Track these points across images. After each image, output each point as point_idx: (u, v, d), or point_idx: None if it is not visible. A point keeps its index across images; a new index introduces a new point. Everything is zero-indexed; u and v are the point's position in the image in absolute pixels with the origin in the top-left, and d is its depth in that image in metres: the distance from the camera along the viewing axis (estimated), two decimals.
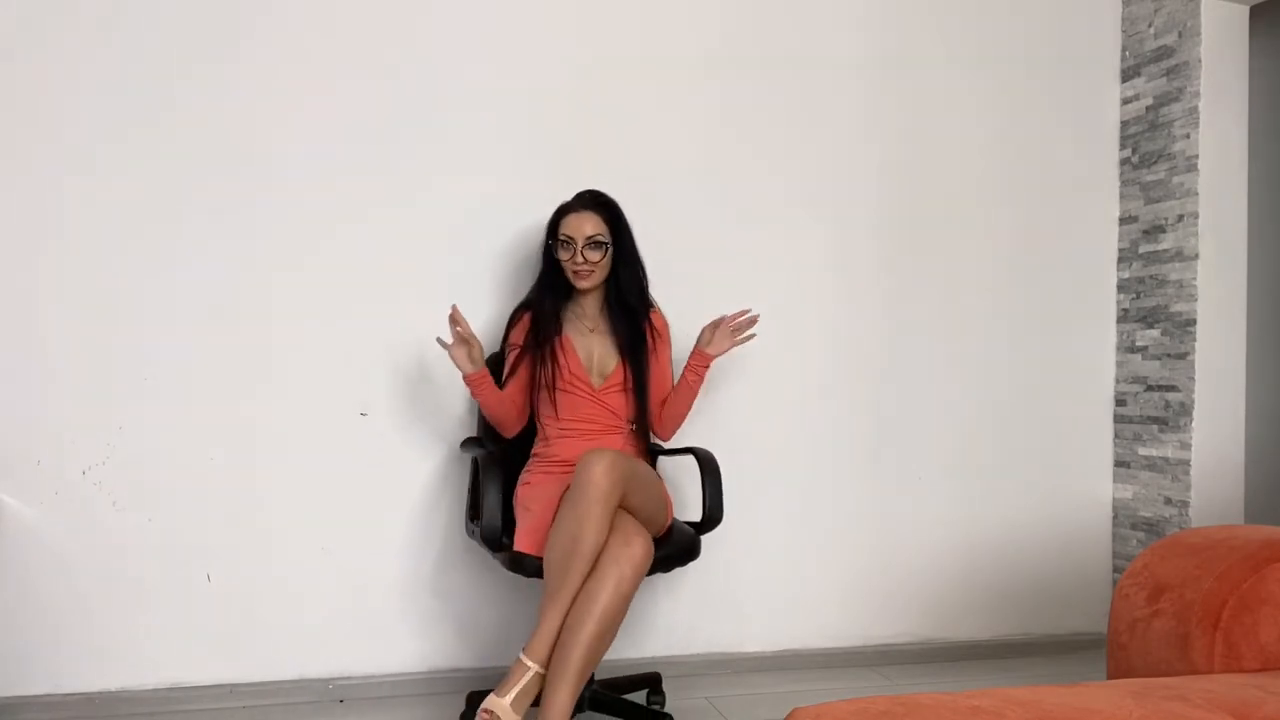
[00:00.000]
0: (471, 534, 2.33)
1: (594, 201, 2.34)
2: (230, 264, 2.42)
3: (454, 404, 2.57)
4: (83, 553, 2.32)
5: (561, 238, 2.30)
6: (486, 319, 2.57)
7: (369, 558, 2.51)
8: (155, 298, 2.38)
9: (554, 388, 2.30)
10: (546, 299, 2.35)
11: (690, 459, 2.36)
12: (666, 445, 2.51)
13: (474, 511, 2.36)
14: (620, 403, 2.34)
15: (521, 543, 2.10)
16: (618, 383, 2.33)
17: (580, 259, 2.27)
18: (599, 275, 2.32)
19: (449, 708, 2.42)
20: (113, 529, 2.34)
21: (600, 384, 2.33)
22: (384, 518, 2.53)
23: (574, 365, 2.31)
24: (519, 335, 2.36)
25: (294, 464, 2.46)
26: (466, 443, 2.45)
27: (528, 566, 2.08)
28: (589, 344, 2.35)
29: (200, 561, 2.40)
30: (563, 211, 2.33)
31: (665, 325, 2.46)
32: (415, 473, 2.55)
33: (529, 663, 1.90)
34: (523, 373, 2.34)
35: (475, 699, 2.28)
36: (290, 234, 2.46)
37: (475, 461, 2.39)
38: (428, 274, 2.55)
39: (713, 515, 2.27)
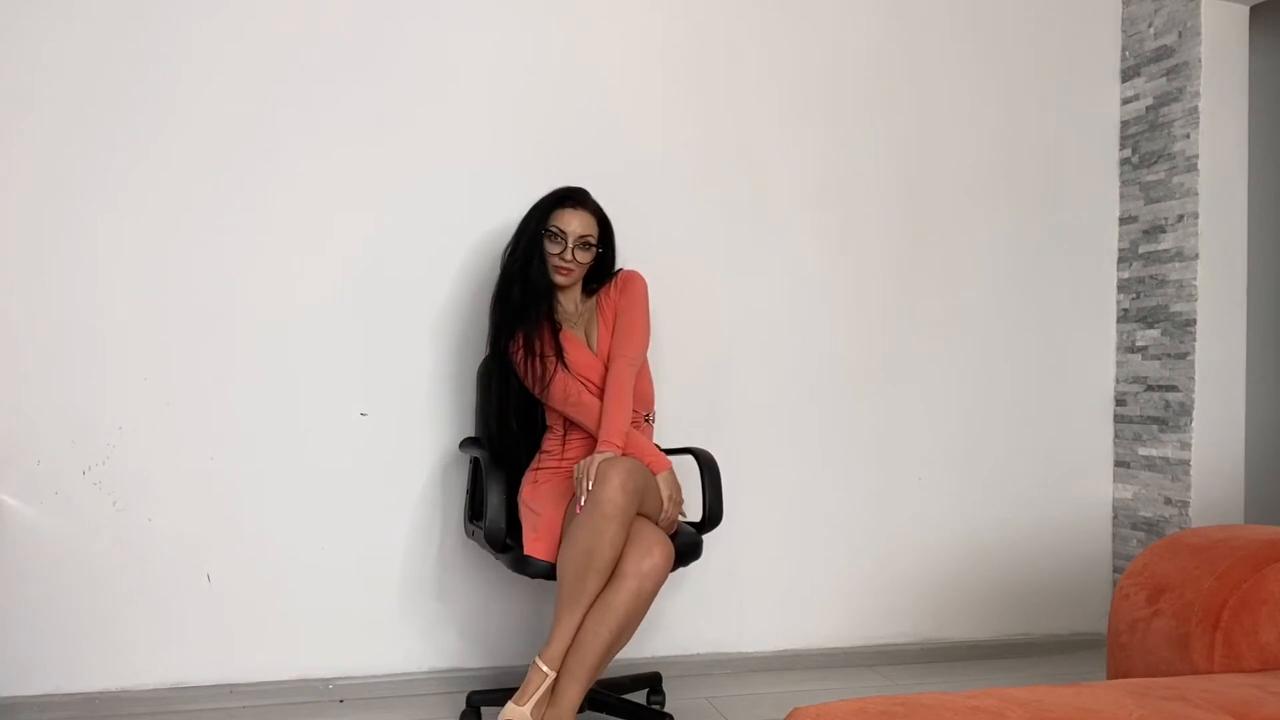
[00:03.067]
0: (472, 535, 2.33)
1: (589, 202, 2.30)
2: (230, 264, 2.42)
3: (454, 404, 2.57)
4: (83, 553, 2.32)
5: (552, 229, 2.24)
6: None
7: (369, 558, 2.51)
8: (155, 298, 2.37)
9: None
10: (529, 303, 2.24)
11: (690, 459, 2.36)
12: (666, 447, 2.51)
13: (474, 512, 2.36)
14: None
15: (533, 548, 2.09)
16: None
17: (569, 256, 2.23)
18: (578, 276, 2.28)
19: (449, 708, 2.42)
20: (113, 529, 2.34)
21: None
22: (384, 518, 2.53)
23: (583, 358, 2.26)
24: (523, 363, 2.24)
25: (294, 464, 2.46)
26: (465, 443, 2.45)
27: (533, 567, 2.08)
28: (582, 333, 2.32)
29: (200, 561, 2.40)
30: (557, 202, 2.26)
31: (629, 277, 2.33)
32: (415, 473, 2.55)
33: (546, 669, 1.91)
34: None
35: (476, 699, 2.28)
36: (290, 234, 2.46)
37: (475, 462, 2.38)
38: (428, 273, 2.55)
39: (713, 515, 2.27)
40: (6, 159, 2.29)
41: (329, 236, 2.49)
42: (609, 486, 1.95)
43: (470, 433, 2.55)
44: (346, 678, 2.49)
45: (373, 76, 2.52)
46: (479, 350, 2.54)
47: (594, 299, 2.37)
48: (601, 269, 2.36)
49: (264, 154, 2.44)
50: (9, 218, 2.29)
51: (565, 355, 2.23)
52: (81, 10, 2.32)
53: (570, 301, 2.35)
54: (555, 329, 2.27)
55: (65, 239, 2.32)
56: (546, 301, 2.29)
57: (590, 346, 2.30)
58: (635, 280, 2.33)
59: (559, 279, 2.27)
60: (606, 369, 2.23)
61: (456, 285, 2.57)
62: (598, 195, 2.34)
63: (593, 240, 2.27)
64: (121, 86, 2.35)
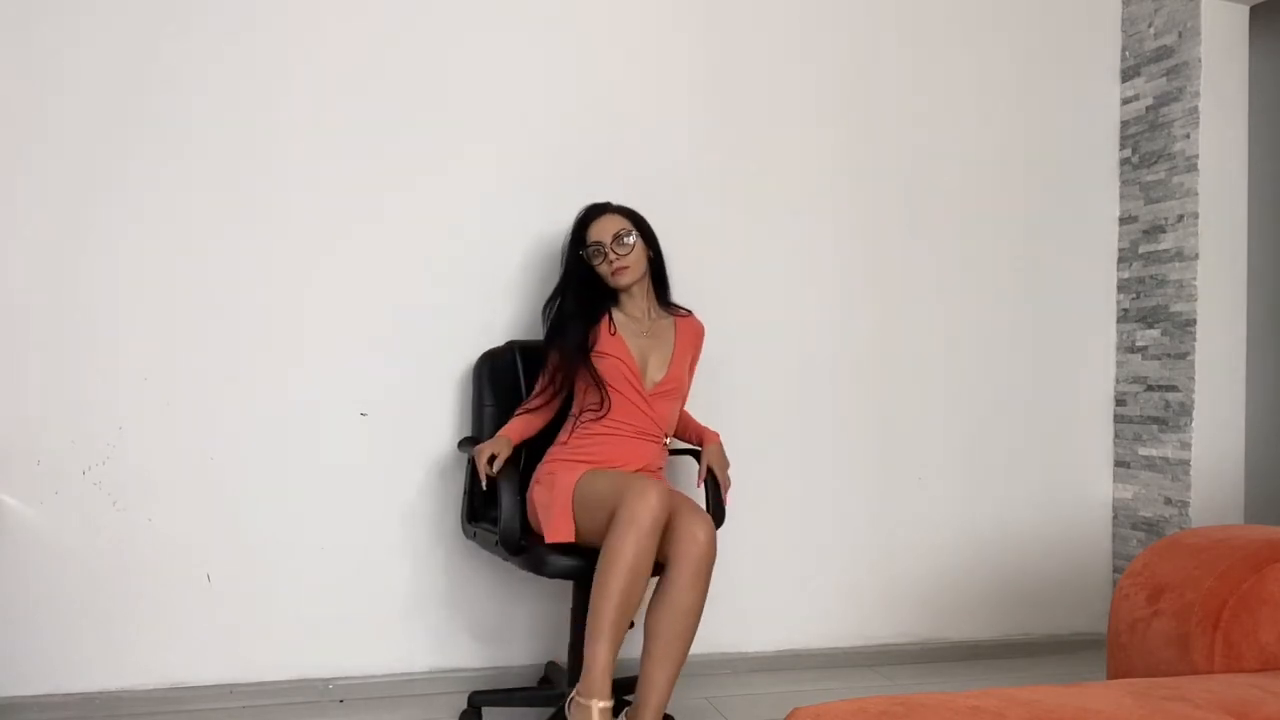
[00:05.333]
0: (472, 535, 2.32)
1: (611, 207, 2.33)
2: (231, 265, 2.42)
3: (454, 404, 2.57)
4: (83, 553, 2.32)
5: (591, 245, 2.27)
6: (490, 316, 2.58)
7: (369, 557, 2.51)
8: (155, 298, 2.37)
9: (605, 384, 2.22)
10: (578, 299, 2.28)
11: (691, 459, 2.36)
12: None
13: (472, 512, 2.35)
14: (664, 410, 2.29)
15: (554, 535, 2.03)
16: (666, 390, 2.28)
17: (613, 255, 2.25)
18: (635, 270, 2.28)
19: (449, 708, 2.42)
20: (113, 529, 2.34)
21: (650, 388, 2.27)
22: (384, 517, 2.52)
23: (629, 364, 2.25)
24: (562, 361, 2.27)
25: (294, 464, 2.46)
26: (464, 442, 2.44)
27: (551, 567, 2.03)
28: (643, 346, 2.30)
29: (200, 561, 2.40)
30: (582, 223, 2.31)
31: (702, 333, 2.44)
32: (415, 473, 2.55)
33: (593, 703, 1.86)
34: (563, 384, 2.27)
35: (477, 699, 2.28)
36: (291, 235, 2.46)
37: (472, 461, 2.38)
38: (429, 274, 2.55)
39: (713, 516, 2.27)
40: (11, 163, 2.29)
41: (331, 239, 2.48)
42: (647, 502, 1.91)
43: (468, 432, 2.54)
44: (346, 678, 2.49)
45: (384, 74, 2.51)
46: (480, 350, 2.54)
47: (672, 320, 2.38)
48: (659, 273, 2.39)
49: (272, 159, 2.44)
50: (11, 220, 2.29)
51: (601, 359, 2.23)
52: (101, 24, 2.32)
53: (637, 309, 2.34)
54: (611, 327, 2.29)
55: (65, 240, 2.32)
56: (611, 302, 2.32)
57: (646, 359, 2.29)
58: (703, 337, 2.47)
59: (620, 280, 2.27)
60: (669, 410, 2.33)
61: (456, 285, 2.57)
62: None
63: (628, 229, 2.28)
64: (138, 90, 2.35)
